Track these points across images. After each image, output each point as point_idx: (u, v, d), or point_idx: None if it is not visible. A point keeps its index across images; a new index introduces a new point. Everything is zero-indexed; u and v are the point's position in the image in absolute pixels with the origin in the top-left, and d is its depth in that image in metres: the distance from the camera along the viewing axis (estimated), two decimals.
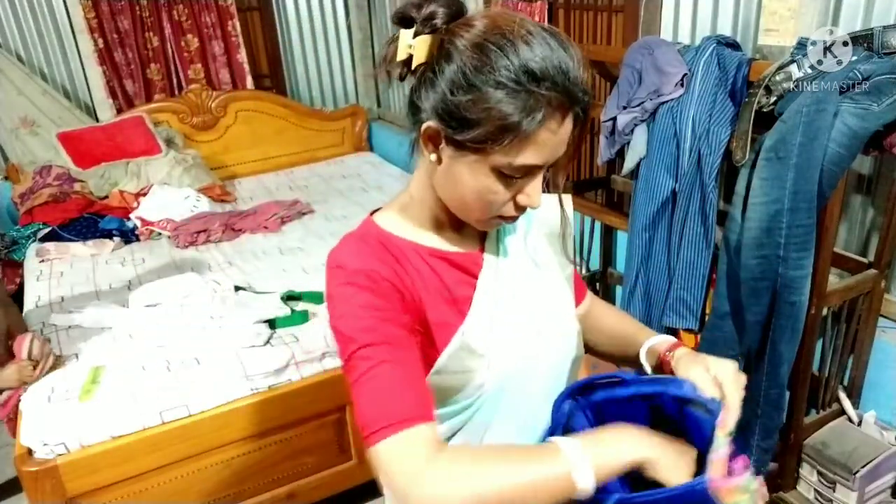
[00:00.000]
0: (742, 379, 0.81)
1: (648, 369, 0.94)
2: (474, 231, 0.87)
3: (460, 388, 0.82)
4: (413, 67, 0.74)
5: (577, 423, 0.86)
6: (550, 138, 0.72)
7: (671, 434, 0.78)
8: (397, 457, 0.68)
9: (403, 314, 0.76)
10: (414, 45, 0.72)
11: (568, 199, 0.94)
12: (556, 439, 0.73)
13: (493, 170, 0.73)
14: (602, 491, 0.72)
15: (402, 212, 0.85)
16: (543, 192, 0.80)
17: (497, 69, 0.68)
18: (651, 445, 0.73)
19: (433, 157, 0.76)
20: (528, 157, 0.72)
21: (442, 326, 0.81)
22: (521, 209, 0.78)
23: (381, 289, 0.76)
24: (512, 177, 0.74)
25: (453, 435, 0.85)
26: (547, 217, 0.93)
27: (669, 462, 0.73)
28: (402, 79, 0.76)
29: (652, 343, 0.95)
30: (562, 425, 0.85)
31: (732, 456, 0.74)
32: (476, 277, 0.85)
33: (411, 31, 0.72)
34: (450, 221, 0.84)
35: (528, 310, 0.88)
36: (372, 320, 0.74)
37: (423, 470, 0.67)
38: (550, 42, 0.70)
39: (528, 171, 0.74)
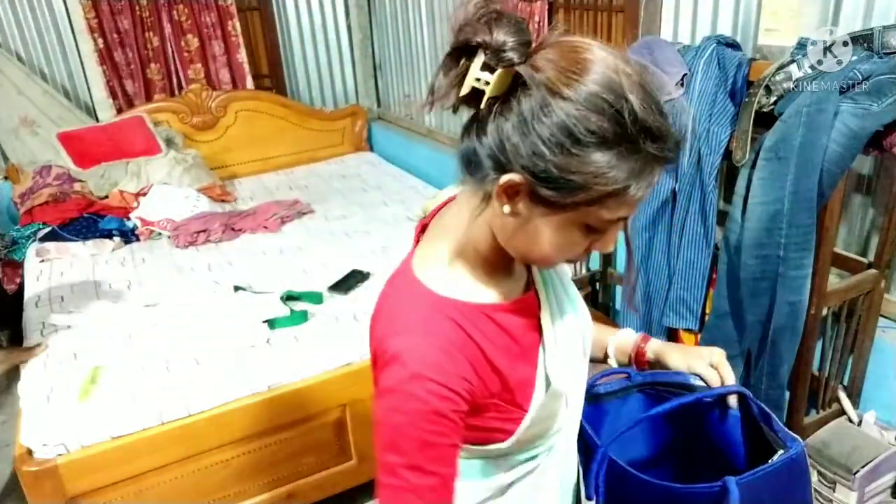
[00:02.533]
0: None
1: (614, 364, 0.98)
2: (521, 268, 0.83)
3: (543, 434, 0.80)
4: (483, 103, 0.65)
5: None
6: (644, 194, 0.66)
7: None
8: None
9: (462, 425, 0.71)
10: (487, 80, 0.63)
11: None
12: None
13: (583, 225, 0.67)
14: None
15: (452, 266, 0.76)
16: None
17: (607, 127, 0.61)
18: None
19: (507, 209, 0.67)
20: (623, 211, 0.66)
21: (522, 384, 0.77)
22: (587, 254, 0.73)
23: (452, 395, 0.69)
24: (598, 230, 0.69)
25: (520, 478, 0.84)
26: None
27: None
28: (455, 111, 0.68)
29: (619, 340, 0.97)
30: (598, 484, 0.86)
31: None
32: (534, 318, 0.81)
33: (479, 61, 0.63)
34: (500, 263, 0.77)
35: (580, 334, 0.86)
36: (432, 443, 0.68)
37: None
38: (651, 85, 0.63)
39: (615, 223, 0.69)
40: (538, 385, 0.78)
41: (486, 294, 0.77)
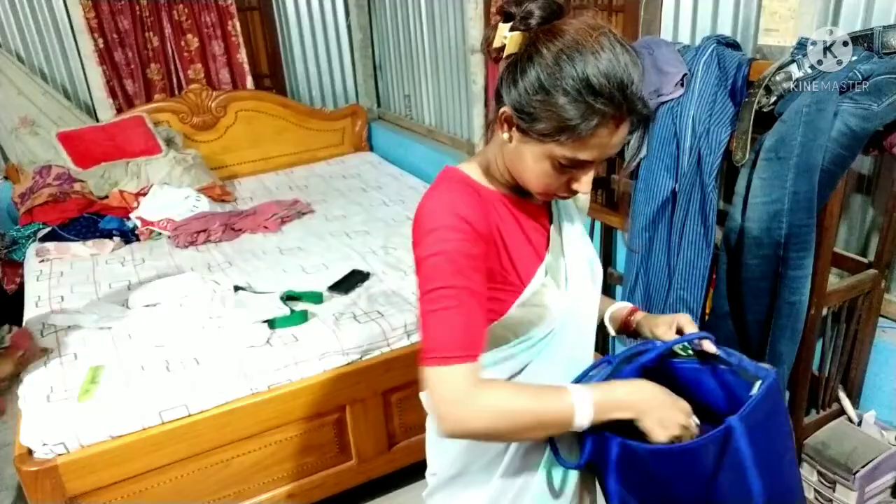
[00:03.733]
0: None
1: (612, 331, 1.15)
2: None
3: (538, 322, 0.97)
4: (505, 56, 0.87)
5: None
6: (603, 141, 0.84)
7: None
8: (443, 384, 0.85)
9: (486, 264, 0.90)
10: (508, 38, 0.85)
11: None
12: (569, 385, 0.91)
13: (552, 159, 0.87)
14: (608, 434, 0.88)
15: (485, 169, 0.98)
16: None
17: (564, 78, 0.81)
18: (643, 399, 0.89)
19: (506, 136, 0.90)
20: (581, 154, 0.85)
21: (525, 264, 0.96)
22: (572, 192, 0.92)
23: (476, 239, 0.88)
24: (567, 167, 0.87)
25: (523, 368, 0.99)
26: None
27: (653, 422, 0.88)
28: (496, 61, 0.89)
29: (613, 310, 1.16)
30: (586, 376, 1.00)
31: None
32: (545, 226, 1.02)
33: (508, 25, 0.86)
34: (515, 181, 0.96)
35: (587, 257, 1.06)
36: (461, 266, 0.86)
37: (467, 403, 0.84)
38: (619, 58, 0.81)
39: (581, 165, 0.87)
40: (539, 271, 0.97)
41: (505, 192, 0.98)
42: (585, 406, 0.86)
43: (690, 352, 1.00)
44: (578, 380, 0.99)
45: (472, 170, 0.99)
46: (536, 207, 1.02)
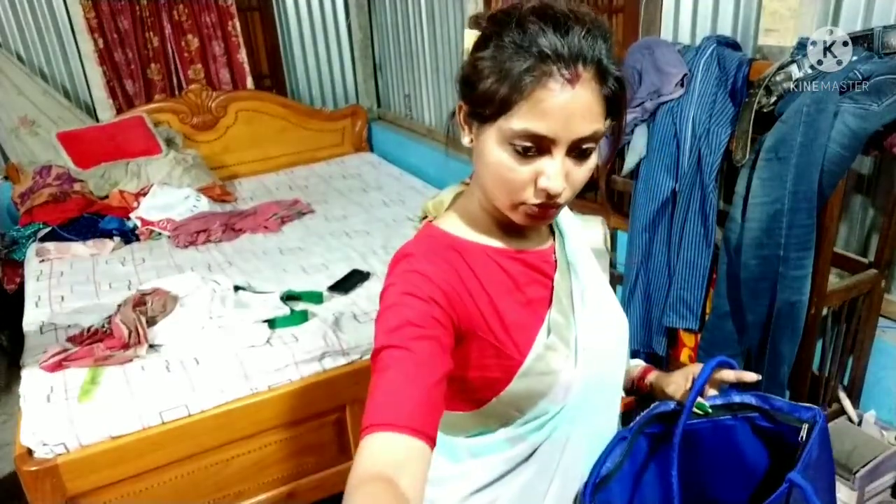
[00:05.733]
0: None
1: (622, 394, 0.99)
2: (539, 231, 0.89)
3: (546, 392, 0.81)
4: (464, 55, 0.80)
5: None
6: (552, 102, 0.71)
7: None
8: (356, 461, 0.65)
9: (448, 326, 0.75)
10: (466, 38, 0.79)
11: (603, 220, 1.00)
12: None
13: (507, 143, 0.74)
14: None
15: (466, 217, 0.85)
16: (583, 212, 0.84)
17: (500, 36, 0.73)
18: None
19: (467, 140, 0.80)
20: (535, 124, 0.71)
21: (520, 329, 0.81)
22: (542, 194, 0.75)
23: (432, 294, 0.75)
24: (524, 152, 0.73)
25: (535, 451, 0.84)
26: (590, 236, 0.96)
27: None
28: None
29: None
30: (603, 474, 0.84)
31: None
32: (549, 277, 0.86)
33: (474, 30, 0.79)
34: (503, 218, 0.83)
35: (607, 309, 0.89)
36: (407, 324, 0.73)
37: (349, 487, 0.63)
38: (556, 15, 0.71)
39: (539, 144, 0.73)
40: (540, 334, 0.81)
41: (491, 242, 0.84)
42: None
43: (709, 409, 0.87)
44: (597, 467, 0.84)
45: (451, 224, 0.85)
46: (537, 255, 0.87)
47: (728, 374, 0.90)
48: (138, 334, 1.99)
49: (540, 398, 0.81)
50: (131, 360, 1.95)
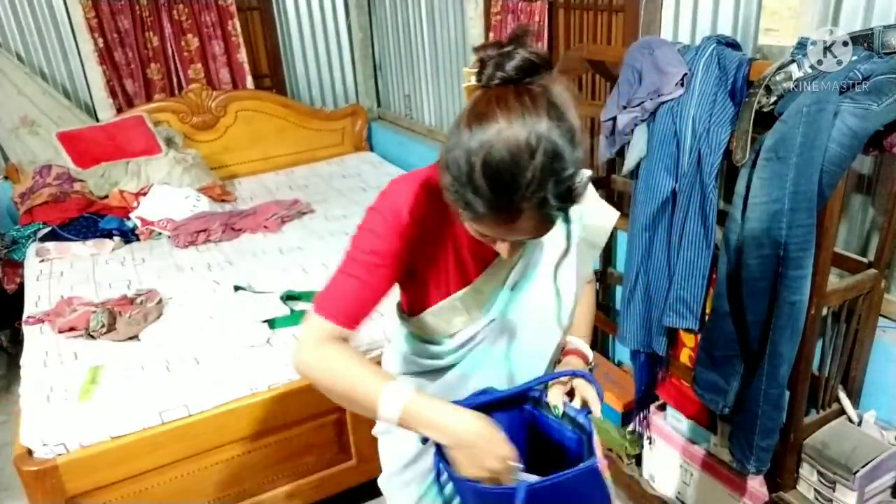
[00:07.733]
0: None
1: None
2: None
3: (446, 333, 1.09)
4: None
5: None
6: (494, 230, 0.84)
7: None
8: (307, 327, 0.98)
9: (402, 256, 0.96)
10: (466, 85, 0.93)
11: (615, 218, 1.13)
12: (398, 379, 0.95)
13: (470, 224, 0.87)
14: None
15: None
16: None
17: (455, 179, 0.80)
18: (463, 429, 0.88)
19: None
20: (483, 229, 0.85)
21: (467, 268, 1.03)
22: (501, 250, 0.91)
23: (399, 228, 0.95)
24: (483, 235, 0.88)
25: (450, 368, 1.12)
26: (597, 226, 1.10)
27: (462, 455, 0.88)
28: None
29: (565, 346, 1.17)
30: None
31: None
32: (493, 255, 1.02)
33: (475, 70, 0.84)
34: None
35: (546, 293, 1.07)
36: (372, 249, 0.95)
37: (309, 347, 0.97)
38: (502, 173, 0.76)
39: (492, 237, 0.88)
40: (455, 295, 1.04)
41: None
42: (394, 403, 0.88)
43: (559, 414, 1.03)
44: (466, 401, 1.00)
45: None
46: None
47: (588, 395, 1.05)
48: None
49: (443, 337, 1.10)
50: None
